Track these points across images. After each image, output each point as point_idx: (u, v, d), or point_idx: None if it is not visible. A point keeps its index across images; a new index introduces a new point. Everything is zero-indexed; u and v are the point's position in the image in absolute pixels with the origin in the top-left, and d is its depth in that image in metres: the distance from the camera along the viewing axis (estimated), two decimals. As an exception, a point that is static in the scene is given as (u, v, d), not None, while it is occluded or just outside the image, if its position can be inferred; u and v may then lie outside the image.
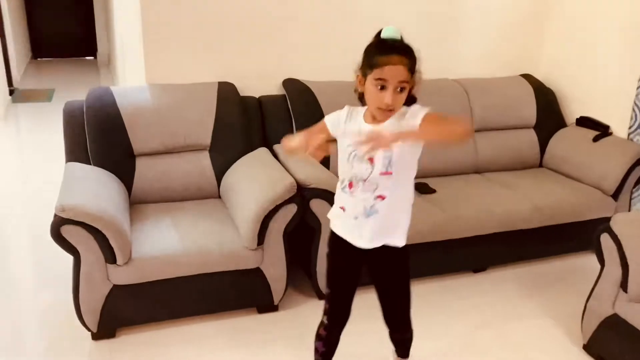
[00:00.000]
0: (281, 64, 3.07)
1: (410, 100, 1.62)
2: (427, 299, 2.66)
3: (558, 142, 3.38)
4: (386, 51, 1.53)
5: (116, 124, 2.54)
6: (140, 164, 2.59)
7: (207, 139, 2.69)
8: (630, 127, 3.08)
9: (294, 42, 3.07)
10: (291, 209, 2.29)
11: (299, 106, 2.88)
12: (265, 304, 2.45)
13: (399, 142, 1.50)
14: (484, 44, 3.54)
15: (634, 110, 3.03)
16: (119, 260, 2.10)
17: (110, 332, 2.26)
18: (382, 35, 1.58)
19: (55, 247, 2.06)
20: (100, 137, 2.52)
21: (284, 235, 2.33)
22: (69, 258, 2.13)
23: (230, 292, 2.36)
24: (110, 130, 2.53)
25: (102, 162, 2.51)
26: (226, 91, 2.80)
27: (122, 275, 2.14)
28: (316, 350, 1.89)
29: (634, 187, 3.08)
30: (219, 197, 2.70)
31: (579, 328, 2.33)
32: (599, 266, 2.22)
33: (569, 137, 3.36)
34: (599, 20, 3.28)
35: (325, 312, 1.85)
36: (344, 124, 1.69)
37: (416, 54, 1.57)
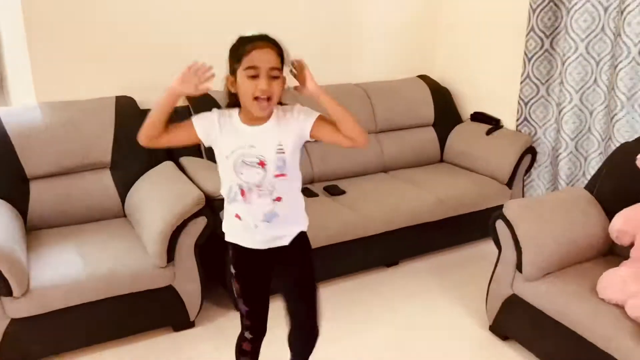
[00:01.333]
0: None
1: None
2: (343, 297, 2.72)
3: (455, 138, 3.58)
4: (251, 39, 1.50)
5: (4, 147, 2.38)
6: (35, 188, 2.44)
7: (107, 157, 2.58)
8: (517, 120, 3.32)
9: (196, 52, 3.01)
10: (201, 222, 2.25)
11: (203, 117, 2.84)
12: (181, 322, 2.39)
13: (316, 93, 1.56)
14: (382, 48, 3.68)
15: (519, 103, 3.28)
16: (16, 292, 1.97)
17: (12, 370, 2.11)
18: (242, 34, 1.55)
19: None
20: (-14, 162, 2.35)
21: (195, 249, 2.29)
22: None
23: (143, 313, 2.28)
24: (-2, 154, 2.36)
25: (-9, 189, 2.34)
26: (125, 105, 2.70)
27: (21, 308, 2.00)
28: None
29: (525, 174, 3.33)
30: (125, 216, 2.61)
31: (484, 311, 2.49)
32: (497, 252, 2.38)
33: (465, 132, 3.58)
34: (486, 23, 3.52)
35: (247, 328, 1.77)
36: (219, 128, 1.57)
37: (283, 47, 1.54)
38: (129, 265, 2.18)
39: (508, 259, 2.28)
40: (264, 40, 1.50)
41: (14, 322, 2.02)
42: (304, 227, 1.73)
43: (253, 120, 1.57)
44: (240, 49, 1.50)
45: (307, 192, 2.99)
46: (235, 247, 1.69)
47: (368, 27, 3.58)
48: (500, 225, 2.30)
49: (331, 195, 2.99)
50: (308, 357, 1.92)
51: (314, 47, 3.40)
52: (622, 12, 2.67)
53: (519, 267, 2.23)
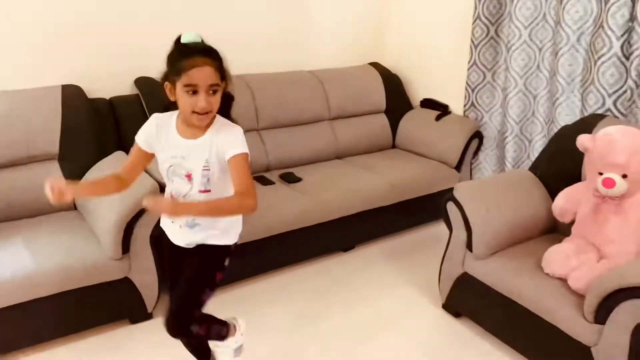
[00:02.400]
0: (131, 63, 2.93)
1: (228, 100, 1.62)
2: (301, 283, 2.76)
3: (406, 124, 3.67)
4: (189, 54, 1.49)
5: (-58, 140, 2.26)
6: (-21, 181, 2.34)
7: (54, 147, 2.50)
8: (465, 105, 3.43)
9: (144, 39, 2.95)
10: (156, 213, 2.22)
11: (155, 104, 2.74)
12: (138, 314, 2.36)
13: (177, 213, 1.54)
14: (334, 35, 3.71)
15: (466, 90, 3.39)
16: (-38, 289, 1.89)
17: (-39, 370, 2.03)
18: (182, 40, 1.54)
19: None
20: None
21: (151, 240, 2.26)
22: None
23: (98, 307, 2.24)
24: None
25: None
26: (72, 94, 2.62)
27: (-32, 306, 1.93)
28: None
29: (472, 158, 3.45)
30: (75, 208, 2.54)
31: (437, 290, 2.58)
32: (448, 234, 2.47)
33: (415, 118, 3.66)
34: (433, 11, 3.60)
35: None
36: (157, 138, 1.63)
37: (221, 54, 1.55)
38: (81, 258, 2.13)
39: (459, 238, 2.37)
40: (203, 57, 1.49)
41: (-40, 321, 1.94)
42: (223, 241, 1.72)
43: (189, 131, 1.60)
44: (179, 64, 1.49)
45: (263, 180, 2.99)
46: (165, 235, 1.78)
47: (320, 15, 3.59)
48: (450, 206, 2.38)
49: (288, 183, 3.01)
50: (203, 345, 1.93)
51: (266, 34, 3.40)
52: (561, 1, 2.79)
53: (469, 246, 2.32)
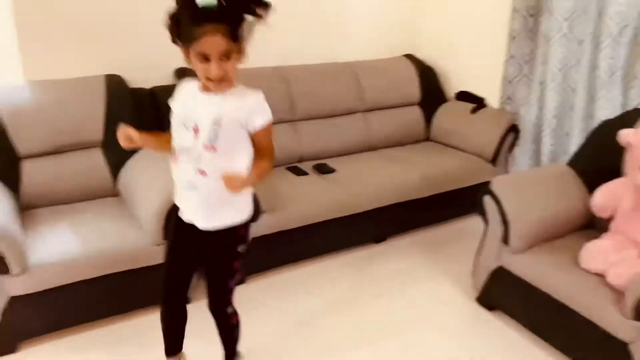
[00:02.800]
0: (171, 53, 2.98)
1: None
2: (334, 274, 2.79)
3: (441, 116, 3.65)
4: (199, 21, 1.41)
5: (-5, 126, 2.36)
6: (27, 167, 2.43)
7: (98, 135, 2.58)
8: (501, 98, 3.40)
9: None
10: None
11: (194, 96, 2.85)
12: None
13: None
14: (369, 27, 3.71)
15: (503, 82, 3.35)
16: (14, 270, 1.98)
17: (11, 347, 2.12)
18: (198, 2, 1.42)
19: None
20: (-23, 142, 2.33)
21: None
22: None
23: (137, 291, 2.31)
24: (-11, 133, 2.35)
25: (-18, 169, 2.33)
26: (115, 84, 2.69)
27: (19, 286, 2.02)
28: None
29: (508, 151, 3.42)
30: (116, 195, 2.62)
31: (470, 283, 2.58)
32: (483, 227, 2.46)
33: (450, 111, 3.64)
34: (470, 3, 3.56)
35: (161, 295, 1.82)
36: (181, 93, 1.64)
37: (238, 12, 1.46)
38: (124, 243, 2.21)
39: (495, 232, 2.36)
40: (214, 24, 1.42)
41: (12, 299, 2.03)
42: (230, 220, 1.66)
43: (208, 89, 1.56)
44: (190, 31, 1.44)
45: (296, 171, 3.03)
46: (175, 209, 1.74)
47: (355, 6, 3.59)
48: (487, 200, 2.37)
49: (321, 174, 3.04)
50: (227, 343, 1.94)
51: (302, 25, 3.42)
52: (604, -7, 2.74)
53: (505, 240, 2.31)
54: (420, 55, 3.88)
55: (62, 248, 2.12)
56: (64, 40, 2.70)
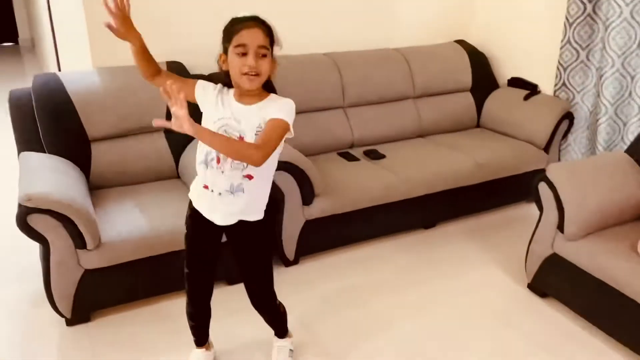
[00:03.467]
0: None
1: (269, 88, 1.67)
2: (384, 258, 2.84)
3: (492, 103, 3.62)
4: (241, 20, 1.59)
5: (68, 110, 2.50)
6: (96, 149, 2.58)
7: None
8: (555, 85, 3.35)
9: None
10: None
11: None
12: (235, 276, 2.54)
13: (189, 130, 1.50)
14: (420, 12, 3.70)
15: (558, 69, 3.30)
16: (89, 245, 2.12)
17: (85, 316, 2.28)
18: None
19: (6, 239, 2.03)
20: (53, 125, 2.48)
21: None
22: (27, 249, 2.09)
23: (200, 267, 2.43)
24: (63, 116, 2.49)
25: (57, 150, 2.48)
26: (176, 70, 2.79)
27: (93, 260, 2.16)
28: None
29: (562, 139, 3.38)
30: (178, 177, 2.74)
31: (522, 270, 2.59)
32: (534, 214, 2.47)
33: (502, 97, 3.61)
34: (523, -14, 3.52)
35: (186, 293, 1.93)
36: (213, 95, 1.67)
37: (272, 26, 1.61)
38: (188, 222, 2.32)
39: (550, 219, 2.36)
40: (254, 21, 1.58)
41: (87, 272, 2.18)
42: (258, 215, 1.76)
43: (244, 99, 1.65)
44: (231, 28, 1.59)
45: (348, 157, 3.08)
46: (195, 211, 1.78)
47: (406, -8, 3.60)
48: (542, 187, 2.37)
49: (372, 160, 3.09)
50: (274, 326, 2.07)
51: (353, 10, 3.45)
52: (669, -24, 2.66)
53: (560, 227, 2.31)
54: (471, 40, 3.85)
55: (131, 226, 2.25)
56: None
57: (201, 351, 2.06)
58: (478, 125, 3.68)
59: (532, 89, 3.50)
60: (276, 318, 2.04)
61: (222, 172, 1.66)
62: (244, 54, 1.56)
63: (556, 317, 2.38)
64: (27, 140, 2.50)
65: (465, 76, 3.62)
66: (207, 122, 1.66)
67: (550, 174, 2.35)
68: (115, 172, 2.61)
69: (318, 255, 2.82)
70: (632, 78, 3.01)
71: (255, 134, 1.62)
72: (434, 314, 2.41)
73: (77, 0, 2.71)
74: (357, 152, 3.19)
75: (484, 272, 2.73)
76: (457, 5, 3.83)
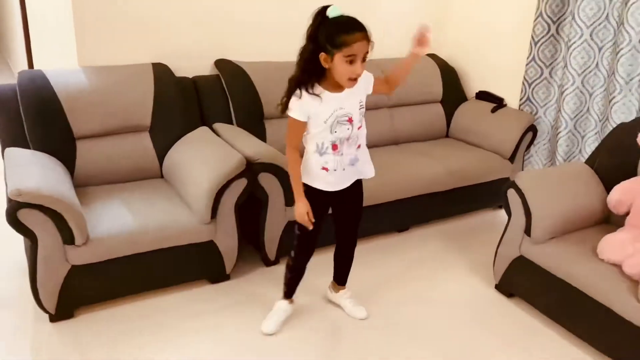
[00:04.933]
0: (211, 46, 3.15)
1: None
2: (357, 260, 2.93)
3: (461, 114, 3.81)
4: (351, 30, 1.80)
5: (54, 107, 2.51)
6: (81, 147, 2.60)
7: (147, 120, 2.74)
8: (520, 99, 3.56)
9: (223, 24, 3.16)
10: (241, 183, 2.44)
11: (234, 86, 3.01)
12: (218, 274, 2.60)
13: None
14: (395, 27, 3.85)
15: (523, 84, 3.51)
16: (78, 240, 2.14)
17: (69, 312, 2.29)
18: (331, 14, 1.82)
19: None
20: (38, 121, 2.49)
21: (235, 208, 2.48)
22: (9, 244, 2.12)
23: (185, 265, 2.48)
24: (49, 113, 2.50)
25: (42, 146, 2.48)
26: (162, 72, 2.85)
27: (81, 255, 2.18)
28: (285, 276, 2.30)
29: (525, 150, 3.59)
30: (161, 176, 2.78)
31: (489, 272, 2.75)
32: (499, 220, 2.64)
33: (471, 109, 3.81)
34: (494, 7, 3.73)
35: (294, 248, 2.22)
36: (313, 106, 1.92)
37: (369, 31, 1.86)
38: (175, 220, 2.37)
39: (517, 223, 2.53)
40: (362, 32, 1.82)
41: (73, 268, 2.20)
42: (373, 169, 2.21)
43: (336, 87, 1.94)
44: (342, 38, 1.79)
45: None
46: (311, 189, 2.08)
47: (381, 6, 3.74)
48: (511, 193, 2.53)
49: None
50: (346, 272, 2.46)
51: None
52: (626, 3, 2.90)
53: (527, 231, 2.48)
54: (442, 55, 4.03)
55: (119, 223, 2.28)
56: (114, 29, 2.85)
57: (287, 302, 2.34)
58: (447, 135, 3.85)
59: (498, 102, 3.70)
60: (350, 264, 2.42)
61: (341, 154, 2.01)
62: (352, 61, 1.81)
63: (522, 316, 2.54)
64: (12, 136, 2.49)
65: (437, 88, 3.80)
66: (317, 123, 1.95)
67: (519, 181, 2.52)
68: (100, 170, 2.63)
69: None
70: (591, 95, 3.25)
71: (359, 108, 1.99)
72: (405, 312, 2.53)
73: (64, 2, 2.72)
74: (334, 157, 3.29)
75: (453, 273, 2.88)
76: (430, 21, 3.98)
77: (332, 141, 1.98)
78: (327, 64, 1.86)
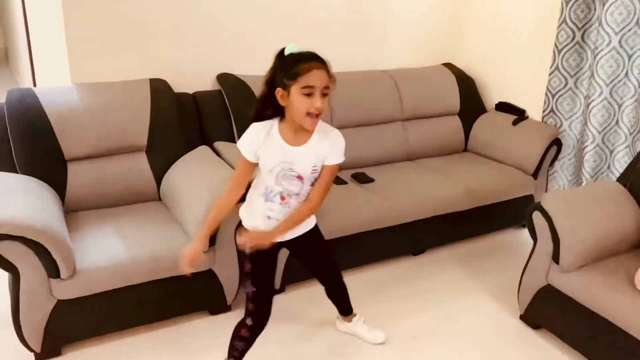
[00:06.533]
0: (212, 59, 3.00)
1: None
2: (370, 286, 2.75)
3: (480, 127, 3.60)
4: (305, 59, 1.62)
5: (43, 128, 2.36)
6: (73, 170, 2.44)
7: (143, 140, 2.58)
8: (544, 111, 3.34)
9: (225, 36, 3.00)
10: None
11: (237, 101, 2.84)
12: (218, 305, 2.42)
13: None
14: (408, 35, 3.67)
15: (546, 95, 3.29)
16: (63, 274, 1.98)
17: (56, 350, 2.12)
18: (289, 51, 1.65)
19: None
20: (27, 143, 2.34)
21: (235, 234, 2.30)
22: None
23: (181, 297, 2.30)
24: (38, 134, 2.35)
25: (31, 170, 2.33)
26: (159, 88, 2.69)
27: (67, 290, 2.01)
28: (235, 349, 1.90)
29: (549, 165, 3.36)
30: (159, 199, 2.62)
31: (514, 299, 2.53)
32: (522, 240, 2.43)
33: (490, 121, 3.59)
34: (514, 13, 3.52)
35: (250, 314, 1.88)
36: (265, 146, 1.72)
37: (329, 64, 1.66)
38: (170, 248, 2.19)
39: (544, 249, 2.31)
40: (319, 62, 1.63)
41: (60, 303, 2.03)
42: (312, 222, 1.98)
43: (294, 137, 1.73)
44: (296, 68, 1.60)
45: (336, 180, 2.99)
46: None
47: (394, 14, 3.56)
48: (537, 216, 2.32)
49: (360, 183, 3.01)
50: (347, 302, 2.29)
51: (340, 33, 3.39)
52: (659, 7, 2.68)
53: (555, 258, 2.26)
54: (459, 64, 3.83)
55: (109, 253, 2.11)
56: (110, 45, 2.71)
57: None
58: (465, 149, 3.64)
59: (520, 114, 3.48)
60: (347, 293, 2.25)
61: (288, 206, 1.80)
62: (310, 94, 1.60)
63: (549, 350, 2.32)
64: (-2, 159, 2.35)
65: (453, 99, 3.59)
66: (264, 170, 1.76)
67: (545, 203, 2.30)
68: (92, 194, 2.47)
69: (304, 283, 2.70)
70: (620, 106, 3.02)
71: (312, 172, 1.77)
72: (423, 345, 2.33)
73: (56, 11, 2.58)
74: (344, 175, 3.10)
75: (474, 301, 2.66)
76: (446, 29, 3.82)
77: (280, 192, 1.78)
78: (284, 101, 1.66)
